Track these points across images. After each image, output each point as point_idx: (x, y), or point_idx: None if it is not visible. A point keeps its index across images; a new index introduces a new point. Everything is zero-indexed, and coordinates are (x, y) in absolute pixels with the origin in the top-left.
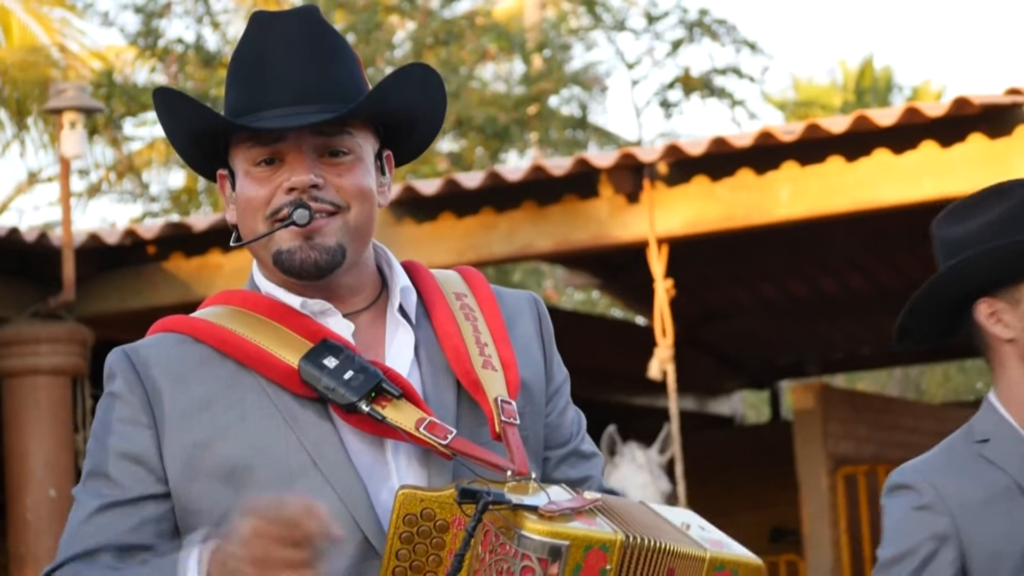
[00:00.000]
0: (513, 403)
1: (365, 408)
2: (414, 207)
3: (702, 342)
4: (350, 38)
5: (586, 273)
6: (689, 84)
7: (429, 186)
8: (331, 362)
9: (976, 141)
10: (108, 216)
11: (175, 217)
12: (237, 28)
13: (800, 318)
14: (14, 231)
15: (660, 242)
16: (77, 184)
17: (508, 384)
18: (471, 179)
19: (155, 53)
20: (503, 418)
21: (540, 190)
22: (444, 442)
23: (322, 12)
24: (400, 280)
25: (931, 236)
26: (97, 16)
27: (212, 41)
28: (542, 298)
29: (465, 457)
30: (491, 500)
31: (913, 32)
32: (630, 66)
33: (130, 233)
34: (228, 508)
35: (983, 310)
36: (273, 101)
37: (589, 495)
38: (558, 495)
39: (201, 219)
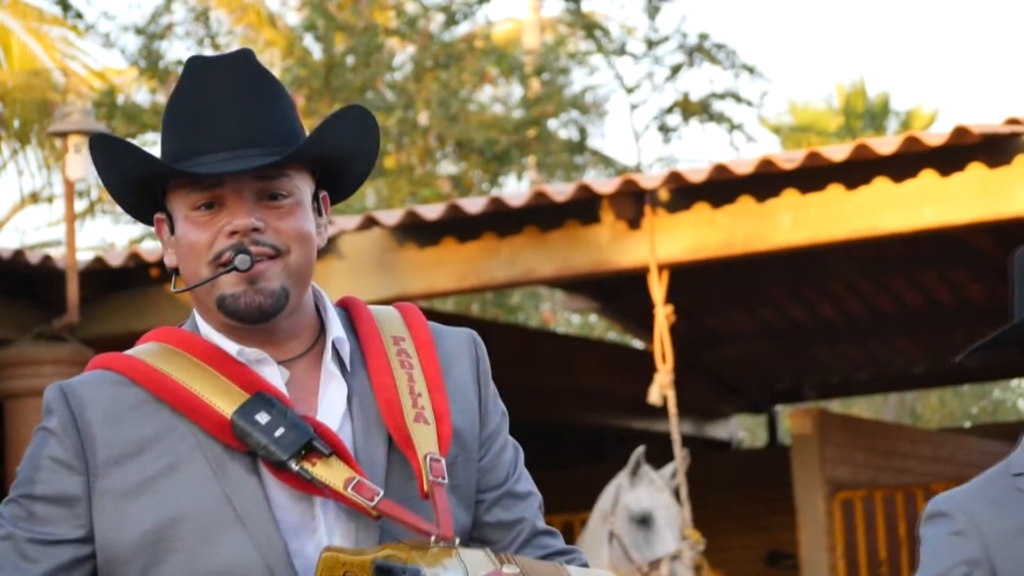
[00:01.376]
0: (443, 460)
1: (295, 467)
2: (416, 232)
3: (700, 366)
4: (350, 61)
5: (585, 297)
6: (688, 109)
7: (431, 211)
8: (263, 417)
9: (976, 170)
10: (107, 237)
11: None
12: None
13: (798, 343)
14: (19, 253)
15: (661, 268)
16: (76, 204)
17: (440, 438)
18: (473, 204)
19: (155, 74)
20: (431, 477)
21: (542, 215)
22: (371, 503)
23: (322, 35)
24: (335, 331)
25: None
26: (98, 37)
27: None
28: (539, 321)
29: (391, 520)
30: None
31: (907, 57)
32: (629, 90)
33: (134, 256)
34: (152, 559)
35: None
36: (211, 146)
37: (508, 569)
38: (477, 567)
39: None
